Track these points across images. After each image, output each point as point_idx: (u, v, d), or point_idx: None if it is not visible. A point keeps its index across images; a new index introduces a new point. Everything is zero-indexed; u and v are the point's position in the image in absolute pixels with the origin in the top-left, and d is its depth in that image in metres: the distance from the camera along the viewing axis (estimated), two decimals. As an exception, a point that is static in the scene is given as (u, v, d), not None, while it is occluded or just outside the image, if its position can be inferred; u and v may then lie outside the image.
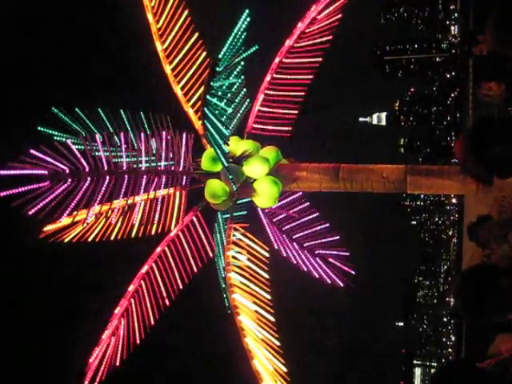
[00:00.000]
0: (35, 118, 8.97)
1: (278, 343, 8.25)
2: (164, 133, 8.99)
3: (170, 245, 9.33)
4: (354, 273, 9.70)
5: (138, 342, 9.18)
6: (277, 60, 9.68)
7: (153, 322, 9.18)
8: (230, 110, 8.72)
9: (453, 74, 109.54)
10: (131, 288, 9.23)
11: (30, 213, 7.72)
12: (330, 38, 9.71)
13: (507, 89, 6.17)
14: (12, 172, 7.73)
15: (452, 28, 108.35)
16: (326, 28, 9.76)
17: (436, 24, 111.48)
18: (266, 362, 8.03)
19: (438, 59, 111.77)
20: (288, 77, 9.76)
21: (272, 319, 8.40)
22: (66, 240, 8.94)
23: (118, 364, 9.11)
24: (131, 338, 9.19)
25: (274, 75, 9.74)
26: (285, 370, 8.07)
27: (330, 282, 9.83)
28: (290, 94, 9.82)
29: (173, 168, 9.08)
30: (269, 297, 8.61)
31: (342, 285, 9.71)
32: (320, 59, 9.77)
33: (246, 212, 9.52)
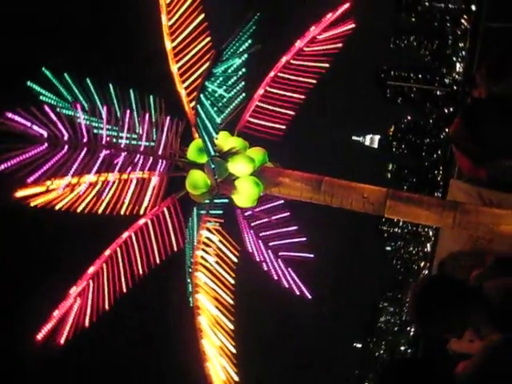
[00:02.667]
0: (23, 76, 8.79)
1: (234, 351, 8.13)
2: (153, 114, 8.91)
3: (137, 231, 9.20)
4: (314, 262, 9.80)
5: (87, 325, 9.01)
6: (284, 59, 9.62)
7: (107, 307, 9.06)
8: (225, 99, 8.62)
9: (451, 109, 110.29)
10: (91, 270, 9.11)
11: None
12: (340, 46, 9.66)
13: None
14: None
15: (458, 65, 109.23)
16: (338, 36, 9.75)
17: (443, 58, 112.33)
18: (218, 369, 7.90)
19: (438, 93, 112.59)
20: (292, 77, 9.71)
21: (231, 326, 8.32)
22: (32, 204, 8.73)
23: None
24: (81, 319, 9.03)
25: (278, 74, 9.69)
26: (236, 379, 7.95)
27: (298, 293, 9.84)
28: (290, 94, 9.78)
29: (155, 151, 8.99)
30: (232, 302, 8.50)
31: (310, 297, 9.73)
32: (327, 65, 9.73)
33: (221, 211, 9.44)
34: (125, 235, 9.19)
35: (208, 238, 8.91)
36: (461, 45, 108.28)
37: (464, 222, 8.98)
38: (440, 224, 9.18)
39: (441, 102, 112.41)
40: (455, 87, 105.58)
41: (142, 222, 9.21)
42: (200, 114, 7.78)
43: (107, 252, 9.08)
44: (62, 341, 8.84)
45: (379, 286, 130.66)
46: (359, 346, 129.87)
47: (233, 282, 8.70)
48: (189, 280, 8.86)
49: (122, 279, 9.01)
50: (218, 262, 8.80)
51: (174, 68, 9.33)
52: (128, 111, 8.82)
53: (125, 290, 9.05)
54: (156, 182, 9.11)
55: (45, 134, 8.05)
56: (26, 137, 7.95)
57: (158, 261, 9.18)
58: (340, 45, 9.76)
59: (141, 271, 9.09)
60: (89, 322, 8.95)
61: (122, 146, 8.70)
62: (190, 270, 8.84)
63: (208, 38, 9.25)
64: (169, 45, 9.28)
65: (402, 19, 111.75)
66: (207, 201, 9.29)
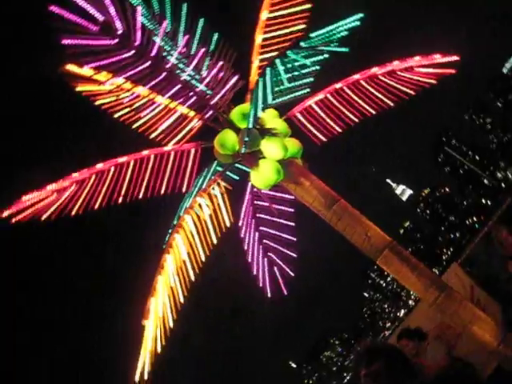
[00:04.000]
0: None
1: (182, 300, 8.26)
2: (222, 63, 8.89)
3: (156, 155, 9.27)
4: (293, 274, 9.81)
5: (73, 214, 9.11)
6: (356, 77, 9.59)
7: (96, 207, 9.14)
8: (286, 86, 8.61)
9: (488, 202, 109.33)
10: (99, 166, 9.15)
11: (65, 42, 7.65)
12: (433, 83, 9.75)
13: None
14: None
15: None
16: (416, 82, 9.71)
17: (506, 153, 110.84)
18: (160, 307, 8.05)
19: (485, 181, 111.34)
20: (354, 97, 9.69)
21: (192, 278, 8.39)
22: (77, 88, 8.78)
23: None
24: (72, 205, 9.12)
25: (344, 87, 9.66)
26: (171, 324, 8.11)
27: (261, 285, 9.88)
28: (346, 112, 9.75)
29: (209, 98, 8.99)
30: (203, 259, 8.58)
31: (269, 295, 9.77)
32: (392, 105, 9.71)
33: (237, 178, 9.47)
34: (123, 159, 9.26)
35: (213, 194, 8.93)
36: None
37: (444, 306, 8.94)
38: (422, 296, 9.14)
39: (483, 191, 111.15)
40: (503, 184, 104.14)
41: (166, 149, 9.28)
42: (261, 85, 7.75)
43: (99, 165, 9.14)
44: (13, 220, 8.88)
45: (339, 322, 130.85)
46: (293, 365, 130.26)
47: (215, 242, 8.75)
48: (175, 221, 8.92)
49: (102, 195, 9.08)
50: (212, 217, 8.85)
51: (259, 38, 9.33)
52: (203, 51, 8.85)
53: (97, 206, 9.10)
54: (195, 124, 9.18)
55: (121, 30, 8.07)
56: (105, 25, 7.97)
57: (163, 191, 9.26)
58: (434, 82, 9.79)
59: (131, 195, 9.18)
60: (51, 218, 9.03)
61: (182, 78, 8.72)
62: (181, 213, 8.88)
63: (302, 26, 9.20)
64: (265, 15, 9.25)
65: (488, 97, 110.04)
66: (227, 163, 9.34)
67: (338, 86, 9.75)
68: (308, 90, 9.28)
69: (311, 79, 8.99)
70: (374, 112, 9.82)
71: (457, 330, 9.35)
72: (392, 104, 9.80)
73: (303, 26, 9.23)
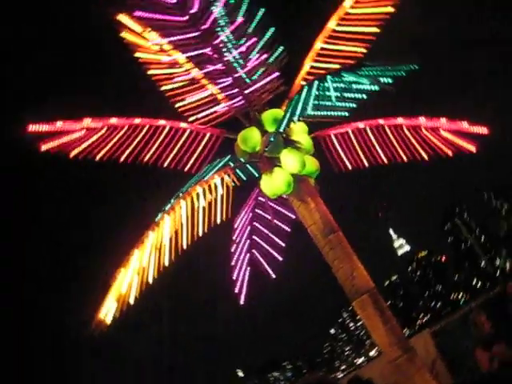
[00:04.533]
0: None
1: (150, 281, 8.20)
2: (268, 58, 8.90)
3: (172, 128, 9.23)
4: (274, 276, 9.89)
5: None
6: (381, 121, 9.66)
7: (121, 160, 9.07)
8: (331, 103, 8.53)
9: (478, 283, 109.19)
10: (113, 119, 9.05)
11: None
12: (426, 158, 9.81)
13: (493, 326, 6.46)
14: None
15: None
16: (434, 145, 9.82)
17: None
18: (126, 281, 7.97)
19: (483, 264, 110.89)
20: (394, 141, 9.73)
21: (166, 263, 8.32)
22: (124, 35, 8.75)
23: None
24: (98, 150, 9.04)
25: (387, 129, 9.71)
26: (131, 301, 8.03)
27: (236, 291, 9.90)
28: (378, 149, 9.78)
29: (246, 87, 8.98)
30: (185, 247, 8.49)
31: (241, 303, 9.81)
32: (426, 158, 9.78)
33: (245, 179, 9.44)
34: (162, 122, 9.20)
35: (215, 186, 8.88)
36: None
37: (403, 367, 8.84)
38: (385, 350, 9.04)
39: (477, 272, 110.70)
40: (498, 272, 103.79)
41: (182, 125, 9.24)
42: (304, 93, 7.69)
43: (137, 120, 9.08)
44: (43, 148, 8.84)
45: (298, 347, 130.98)
46: (240, 374, 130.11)
47: (201, 234, 8.68)
48: (172, 200, 8.88)
49: (130, 147, 8.99)
50: (205, 210, 8.80)
51: (319, 45, 9.25)
52: (254, 40, 8.80)
53: (123, 159, 9.06)
54: (222, 109, 9.14)
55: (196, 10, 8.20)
56: None
57: (166, 164, 9.23)
58: (450, 154, 9.79)
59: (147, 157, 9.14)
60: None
61: (225, 58, 8.71)
62: (180, 195, 8.85)
63: (363, 49, 9.14)
64: (332, 24, 9.19)
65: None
66: (243, 160, 9.31)
67: (381, 121, 9.76)
68: (347, 113, 9.25)
69: (354, 105, 8.95)
70: (406, 159, 9.85)
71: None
72: (405, 159, 9.84)
73: (364, 50, 9.15)
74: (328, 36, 9.18)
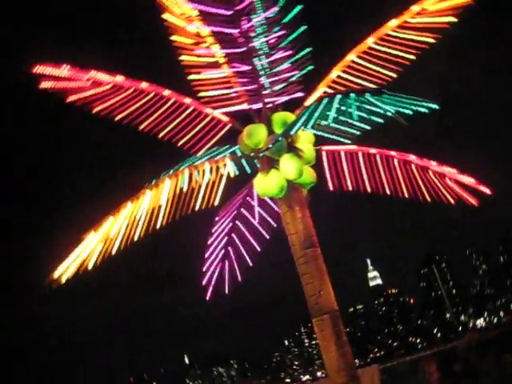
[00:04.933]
0: None
1: (135, 239, 8.27)
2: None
3: (192, 112, 9.24)
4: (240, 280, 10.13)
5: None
6: (413, 161, 9.75)
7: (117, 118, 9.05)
8: (352, 119, 8.52)
9: (439, 334, 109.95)
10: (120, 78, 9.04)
11: None
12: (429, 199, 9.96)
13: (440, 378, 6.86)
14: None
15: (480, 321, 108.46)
16: (438, 190, 9.88)
17: (480, 305, 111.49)
18: (90, 246, 7.96)
19: (447, 315, 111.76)
20: (400, 175, 9.78)
21: (135, 237, 8.34)
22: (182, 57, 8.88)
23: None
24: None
25: (396, 162, 9.77)
26: (113, 252, 8.12)
27: (203, 283, 9.97)
28: (383, 181, 9.96)
29: (264, 92, 9.11)
30: (158, 226, 8.52)
31: (207, 298, 9.91)
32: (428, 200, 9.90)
33: (249, 171, 9.51)
34: (167, 92, 9.17)
35: (203, 173, 8.87)
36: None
37: (344, 394, 8.87)
38: (331, 374, 9.03)
39: (441, 322, 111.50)
40: (460, 328, 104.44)
41: (187, 100, 9.26)
42: (321, 105, 7.67)
43: (144, 84, 9.03)
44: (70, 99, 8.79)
45: (252, 350, 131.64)
46: (186, 361, 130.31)
47: (194, 208, 8.86)
48: (176, 168, 8.91)
49: (130, 109, 8.98)
50: (188, 194, 8.82)
51: (351, 57, 9.24)
52: (287, 55, 8.94)
53: (119, 119, 9.02)
54: (237, 97, 9.18)
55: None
56: None
57: (161, 135, 9.23)
58: (452, 202, 10.02)
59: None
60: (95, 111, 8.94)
61: (254, 64, 8.92)
62: (169, 174, 8.83)
63: (394, 75, 9.15)
64: (370, 41, 9.17)
65: (497, 248, 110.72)
66: (239, 153, 9.37)
67: (393, 153, 9.88)
68: (359, 133, 9.31)
69: (368, 127, 9.02)
70: (407, 195, 9.97)
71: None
72: (407, 195, 9.97)
73: (394, 75, 9.18)
74: (363, 51, 9.19)
